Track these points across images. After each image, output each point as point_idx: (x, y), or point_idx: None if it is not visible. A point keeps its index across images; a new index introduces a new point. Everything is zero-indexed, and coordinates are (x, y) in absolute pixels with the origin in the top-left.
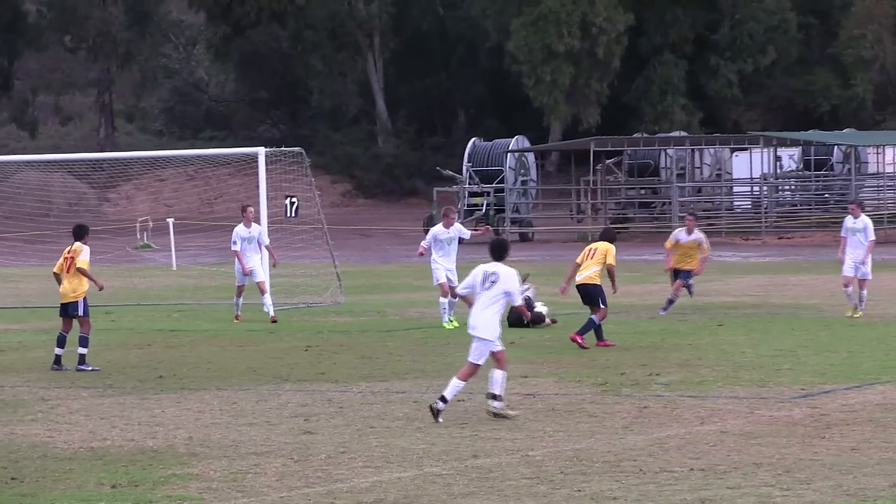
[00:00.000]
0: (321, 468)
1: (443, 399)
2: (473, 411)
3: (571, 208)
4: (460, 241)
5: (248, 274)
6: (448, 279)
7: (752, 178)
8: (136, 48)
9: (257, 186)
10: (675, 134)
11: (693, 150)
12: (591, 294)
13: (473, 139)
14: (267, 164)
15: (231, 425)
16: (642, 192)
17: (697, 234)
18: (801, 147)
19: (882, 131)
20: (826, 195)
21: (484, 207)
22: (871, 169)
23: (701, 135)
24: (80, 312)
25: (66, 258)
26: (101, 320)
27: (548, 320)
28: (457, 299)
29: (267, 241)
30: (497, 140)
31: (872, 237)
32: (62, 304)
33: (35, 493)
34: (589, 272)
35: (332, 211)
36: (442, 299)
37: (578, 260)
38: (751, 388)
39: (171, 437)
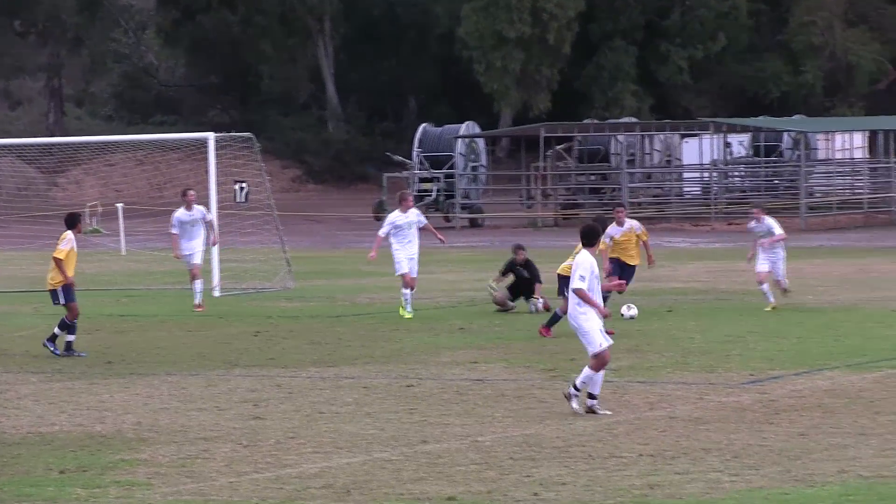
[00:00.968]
0: (270, 453)
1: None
2: (422, 396)
3: (521, 194)
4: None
5: (179, 258)
6: (410, 269)
7: (701, 165)
8: (86, 33)
9: (207, 171)
10: (626, 120)
11: (643, 136)
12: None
13: (423, 125)
14: (217, 149)
15: (180, 410)
16: (592, 178)
17: (630, 223)
18: (750, 133)
19: (831, 118)
20: (776, 181)
21: (434, 193)
22: (821, 155)
23: (651, 121)
24: (61, 301)
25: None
26: (49, 305)
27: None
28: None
29: (211, 217)
30: (447, 126)
31: (779, 232)
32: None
33: None
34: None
35: (282, 196)
36: (404, 290)
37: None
38: (700, 373)
39: (120, 423)
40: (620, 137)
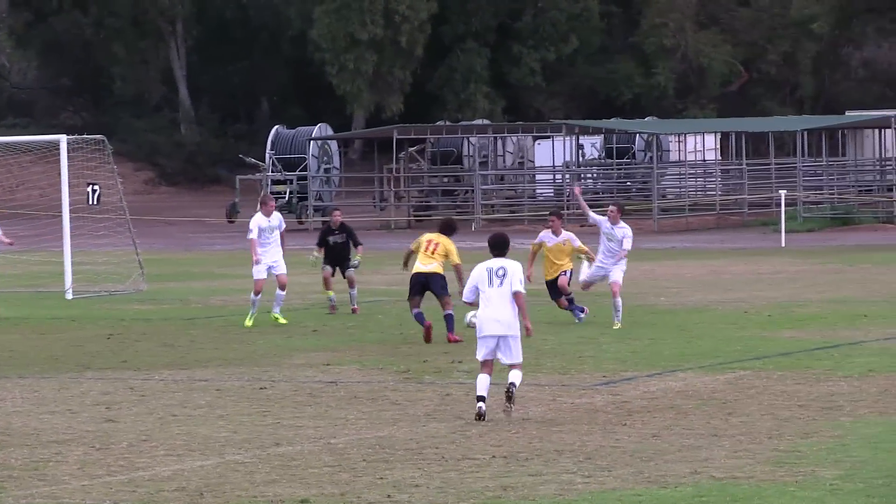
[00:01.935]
0: (123, 456)
1: (482, 399)
2: (275, 399)
3: (374, 196)
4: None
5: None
6: (273, 274)
7: (554, 167)
8: None
9: (59, 174)
10: (478, 122)
11: (496, 138)
12: (439, 284)
13: (276, 127)
14: (69, 151)
15: (32, 413)
16: (445, 179)
17: (566, 235)
18: (603, 135)
19: (683, 119)
20: (628, 183)
21: (287, 195)
22: (673, 157)
23: (504, 123)
24: None
25: None
26: None
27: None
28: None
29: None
30: (300, 128)
31: (628, 247)
32: None
33: None
34: (434, 265)
35: (134, 198)
36: (253, 296)
37: (413, 247)
38: (553, 375)
39: None
40: (473, 139)
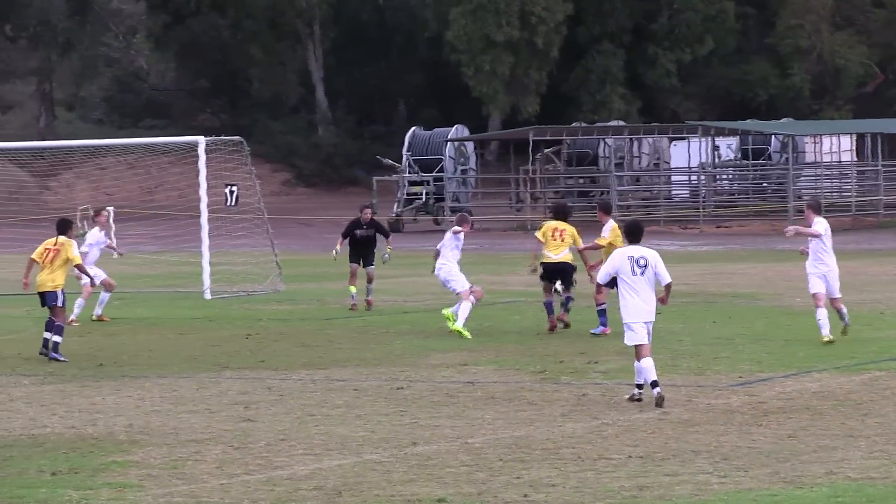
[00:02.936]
0: (261, 455)
1: (639, 386)
2: (413, 399)
3: (510, 197)
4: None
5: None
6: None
7: (690, 168)
8: (77, 37)
9: (198, 175)
10: (614, 123)
11: (631, 139)
12: (568, 273)
13: (413, 128)
14: (207, 152)
15: (171, 413)
16: (581, 181)
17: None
18: (738, 136)
19: (819, 121)
20: (764, 184)
21: (423, 196)
22: (809, 158)
23: (639, 124)
24: (60, 303)
25: (48, 249)
26: (38, 308)
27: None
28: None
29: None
30: (437, 129)
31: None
32: (39, 292)
33: None
34: (564, 253)
35: (272, 199)
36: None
37: (540, 237)
38: (688, 376)
39: (112, 425)
40: (609, 140)
